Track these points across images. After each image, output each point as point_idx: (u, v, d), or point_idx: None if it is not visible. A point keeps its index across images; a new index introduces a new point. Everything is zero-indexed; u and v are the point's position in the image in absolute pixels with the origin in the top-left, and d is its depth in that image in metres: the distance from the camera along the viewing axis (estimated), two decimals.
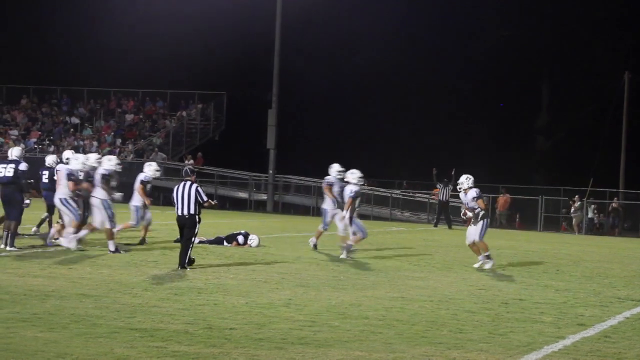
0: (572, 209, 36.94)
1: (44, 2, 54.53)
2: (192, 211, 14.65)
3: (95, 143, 45.19)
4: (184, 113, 47.87)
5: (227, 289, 12.27)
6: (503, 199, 38.58)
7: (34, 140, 45.91)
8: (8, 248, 16.18)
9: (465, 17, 54.59)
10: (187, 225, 14.67)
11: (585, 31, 52.17)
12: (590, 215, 37.61)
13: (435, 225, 34.02)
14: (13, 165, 16.50)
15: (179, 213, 14.74)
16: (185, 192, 14.70)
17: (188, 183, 14.84)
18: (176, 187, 14.95)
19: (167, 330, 9.09)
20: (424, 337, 9.33)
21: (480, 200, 16.66)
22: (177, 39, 52.31)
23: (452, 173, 32.92)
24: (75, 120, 48.23)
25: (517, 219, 39.19)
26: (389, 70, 53.92)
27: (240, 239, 19.26)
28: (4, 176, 16.44)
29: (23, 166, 16.57)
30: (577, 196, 37.15)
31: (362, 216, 39.39)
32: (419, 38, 55.04)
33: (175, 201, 14.79)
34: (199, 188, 14.85)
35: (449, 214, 33.96)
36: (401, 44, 53.44)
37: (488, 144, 54.37)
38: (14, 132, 47.04)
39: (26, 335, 8.56)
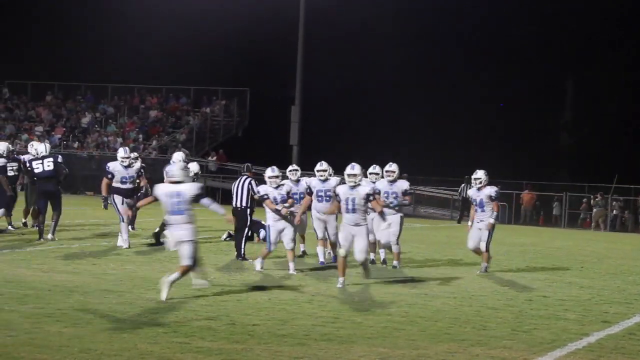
0: (593, 205, 36.76)
1: (68, 0, 54.82)
2: (244, 204, 15.68)
3: (119, 139, 45.42)
4: (207, 109, 47.98)
5: (250, 285, 12.29)
6: (528, 196, 38.43)
7: (59, 136, 46.20)
8: (49, 236, 16.97)
9: (490, 12, 54.37)
10: (241, 217, 15.69)
11: (610, 26, 51.81)
12: (615, 212, 37.40)
13: (459, 222, 33.95)
14: (51, 159, 17.08)
15: (234, 205, 15.77)
16: (240, 186, 15.79)
17: (244, 177, 15.98)
18: (235, 182, 16.05)
19: (191, 326, 9.12)
20: (447, 334, 9.31)
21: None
22: (200, 35, 52.42)
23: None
24: (86, 119, 48.11)
25: (542, 216, 39.07)
26: (412, 65, 53.80)
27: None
28: (45, 170, 16.99)
29: (60, 158, 17.52)
30: (600, 193, 36.99)
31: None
32: (442, 32, 54.88)
33: (233, 195, 15.82)
34: (252, 182, 15.78)
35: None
36: (424, 39, 53.31)
37: (511, 140, 54.16)
38: (39, 129, 47.36)
39: (51, 330, 8.61)
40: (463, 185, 33.74)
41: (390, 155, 52.02)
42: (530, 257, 19.11)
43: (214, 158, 42.93)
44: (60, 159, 17.50)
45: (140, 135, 45.54)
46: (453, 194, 37.96)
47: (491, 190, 15.31)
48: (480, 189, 15.38)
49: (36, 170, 17.06)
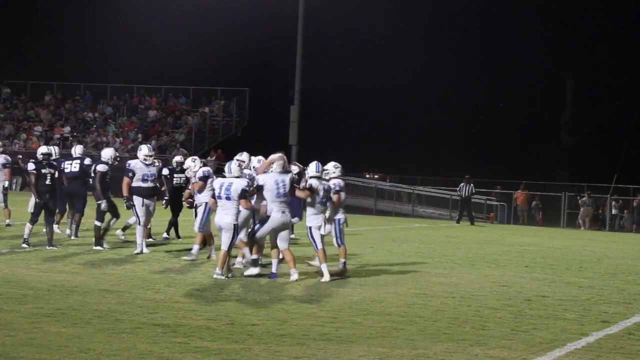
0: (580, 203, 36.90)
1: (67, 0, 54.86)
2: None
3: (118, 139, 45.41)
4: (207, 109, 47.98)
5: (249, 285, 12.29)
6: (522, 196, 38.54)
7: (58, 136, 46.18)
8: (73, 237, 17.61)
9: (490, 12, 54.39)
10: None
11: (610, 25, 51.77)
12: (614, 212, 37.46)
13: (458, 222, 33.97)
14: (78, 161, 17.58)
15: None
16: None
17: None
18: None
19: (190, 326, 9.12)
20: (446, 334, 9.31)
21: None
22: (199, 35, 52.45)
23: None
24: (67, 128, 47.75)
25: (541, 215, 39.13)
26: (411, 66, 53.85)
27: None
28: (71, 171, 17.49)
29: (87, 161, 17.73)
30: (587, 192, 37.18)
31: (384, 212, 39.80)
32: (441, 34, 54.95)
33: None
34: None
35: (471, 211, 33.96)
36: (422, 40, 53.33)
37: (511, 140, 54.22)
38: (38, 128, 47.34)
39: (50, 330, 8.61)
40: (462, 184, 33.76)
41: (390, 154, 51.88)
42: (529, 257, 19.10)
43: (213, 158, 42.92)
44: (87, 161, 17.70)
45: (140, 135, 45.53)
46: (452, 193, 37.99)
47: (332, 182, 14.21)
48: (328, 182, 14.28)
49: (65, 170, 17.52)
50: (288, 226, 13.15)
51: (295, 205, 17.47)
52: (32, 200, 16.22)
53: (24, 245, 15.71)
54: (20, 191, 40.44)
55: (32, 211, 16.04)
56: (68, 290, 11.03)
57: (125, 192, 15.76)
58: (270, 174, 13.00)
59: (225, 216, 12.85)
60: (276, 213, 12.81)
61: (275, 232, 12.97)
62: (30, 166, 15.78)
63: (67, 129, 47.22)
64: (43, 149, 16.42)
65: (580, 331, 9.87)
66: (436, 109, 54.72)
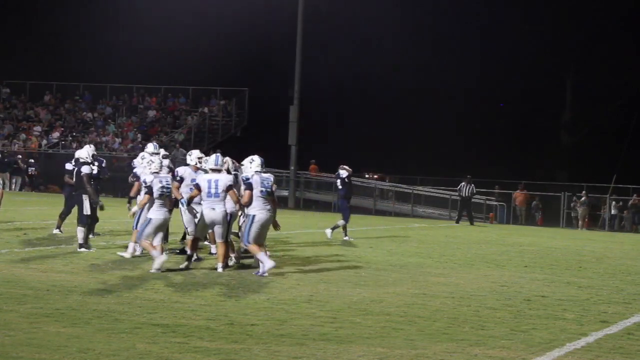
0: (578, 204, 36.94)
1: (66, 0, 54.85)
2: None
3: (117, 139, 45.40)
4: (206, 109, 47.97)
5: (248, 285, 12.29)
6: (521, 196, 38.59)
7: (57, 135, 46.21)
8: (91, 236, 17.36)
9: (488, 11, 54.36)
10: None
11: (610, 25, 51.76)
12: (613, 211, 37.48)
13: (457, 222, 33.96)
14: (96, 163, 17.11)
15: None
16: None
17: None
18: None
19: (189, 326, 9.12)
20: (446, 334, 9.31)
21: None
22: (199, 35, 52.43)
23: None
24: (57, 133, 47.56)
25: (540, 215, 39.16)
26: (409, 66, 53.86)
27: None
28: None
29: (103, 162, 17.95)
30: (583, 192, 37.27)
31: (383, 212, 39.74)
32: (439, 34, 54.91)
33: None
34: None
35: (470, 211, 33.97)
36: (422, 40, 53.33)
37: (511, 140, 54.20)
38: (37, 128, 47.33)
39: (49, 330, 8.61)
40: (462, 184, 33.77)
41: (389, 154, 51.84)
42: (529, 257, 19.10)
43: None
44: (103, 163, 17.87)
45: (139, 135, 45.54)
46: (452, 193, 37.99)
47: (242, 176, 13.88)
48: None
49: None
50: (219, 222, 13.45)
51: (344, 207, 18.54)
52: (87, 203, 15.51)
53: (82, 250, 15.48)
54: (20, 191, 40.47)
55: (87, 213, 15.43)
56: (67, 291, 11.02)
57: (132, 194, 15.93)
58: (205, 174, 13.84)
59: (219, 211, 13.48)
60: (205, 209, 13.51)
61: (206, 227, 13.79)
62: (87, 169, 15.26)
63: (56, 134, 47.10)
64: (93, 150, 16.45)
65: (579, 331, 9.87)
66: (436, 109, 54.67)
